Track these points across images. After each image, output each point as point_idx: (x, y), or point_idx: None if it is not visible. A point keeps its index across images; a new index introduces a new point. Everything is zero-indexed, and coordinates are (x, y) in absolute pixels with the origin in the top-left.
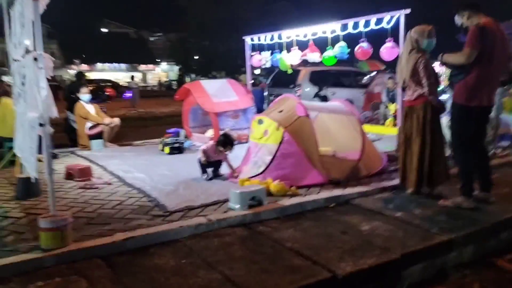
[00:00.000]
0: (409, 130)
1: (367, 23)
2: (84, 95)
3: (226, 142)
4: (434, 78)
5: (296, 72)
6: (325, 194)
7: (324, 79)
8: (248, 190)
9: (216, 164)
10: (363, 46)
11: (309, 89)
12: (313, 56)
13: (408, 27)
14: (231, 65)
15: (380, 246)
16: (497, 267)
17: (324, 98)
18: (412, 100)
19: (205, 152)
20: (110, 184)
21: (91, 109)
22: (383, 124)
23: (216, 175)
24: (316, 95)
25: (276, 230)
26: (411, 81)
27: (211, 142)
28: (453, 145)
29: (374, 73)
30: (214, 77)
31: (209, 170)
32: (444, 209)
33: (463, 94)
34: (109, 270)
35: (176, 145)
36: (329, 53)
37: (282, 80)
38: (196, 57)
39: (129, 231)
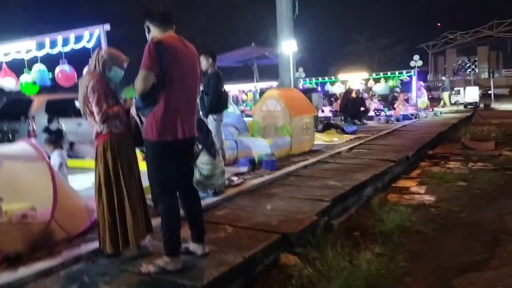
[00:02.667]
0: (97, 177)
1: (66, 41)
2: None
3: None
4: (107, 106)
5: (29, 101)
6: None
7: (66, 109)
8: None
9: None
10: (65, 69)
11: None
12: (7, 82)
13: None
14: None
15: None
16: None
17: (58, 133)
18: (94, 139)
19: None
20: None
21: None
22: None
23: None
24: (46, 130)
25: None
26: (86, 113)
27: None
28: (152, 191)
29: None
30: None
31: None
32: (144, 278)
33: (154, 128)
34: None
35: None
36: (26, 78)
37: (12, 111)
38: None
39: None
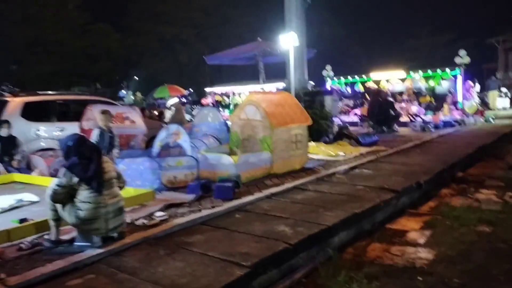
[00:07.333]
0: None
1: None
2: None
3: None
4: None
5: (2, 103)
6: None
7: (48, 112)
8: None
9: None
10: None
11: (25, 127)
12: None
13: None
14: None
15: None
16: None
17: (10, 141)
18: None
19: None
20: None
21: None
22: None
23: None
24: None
25: None
26: None
27: None
28: None
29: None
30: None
31: None
32: None
33: None
34: None
35: None
36: None
37: None
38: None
39: None
